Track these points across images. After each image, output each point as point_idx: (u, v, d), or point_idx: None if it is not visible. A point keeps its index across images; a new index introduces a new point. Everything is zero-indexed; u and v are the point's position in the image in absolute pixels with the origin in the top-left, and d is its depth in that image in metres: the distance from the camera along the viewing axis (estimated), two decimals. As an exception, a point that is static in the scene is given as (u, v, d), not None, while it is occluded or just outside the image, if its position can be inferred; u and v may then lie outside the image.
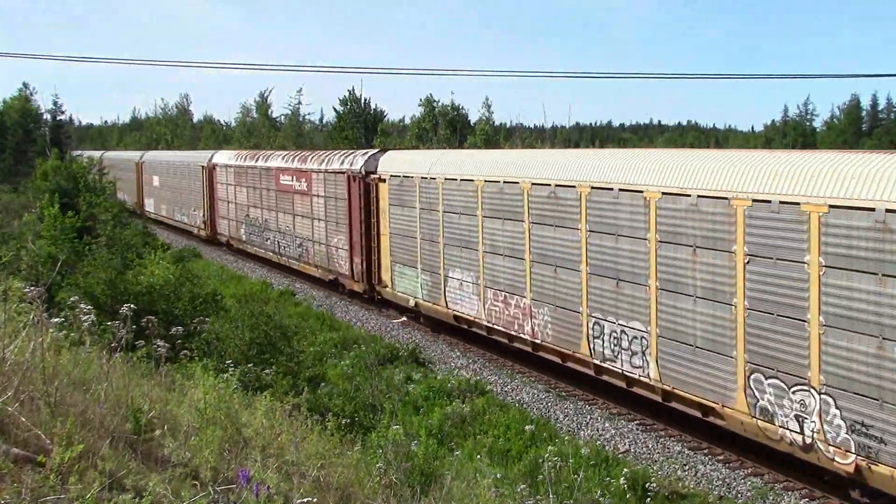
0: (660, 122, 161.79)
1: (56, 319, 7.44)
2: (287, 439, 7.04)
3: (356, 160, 25.52)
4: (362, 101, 61.38)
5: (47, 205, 25.99)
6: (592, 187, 15.41)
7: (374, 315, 24.94)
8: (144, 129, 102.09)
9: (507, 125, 73.16)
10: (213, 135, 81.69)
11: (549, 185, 16.59)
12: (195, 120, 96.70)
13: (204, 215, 41.12)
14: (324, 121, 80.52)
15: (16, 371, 5.46)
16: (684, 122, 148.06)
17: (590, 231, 15.55)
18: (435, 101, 58.28)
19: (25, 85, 62.50)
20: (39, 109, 60.88)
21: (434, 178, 20.89)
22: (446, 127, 56.48)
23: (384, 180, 23.62)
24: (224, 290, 22.46)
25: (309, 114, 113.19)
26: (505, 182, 18.07)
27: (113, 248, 23.29)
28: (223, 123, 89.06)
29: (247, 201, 35.50)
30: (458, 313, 20.40)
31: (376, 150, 26.09)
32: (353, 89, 61.79)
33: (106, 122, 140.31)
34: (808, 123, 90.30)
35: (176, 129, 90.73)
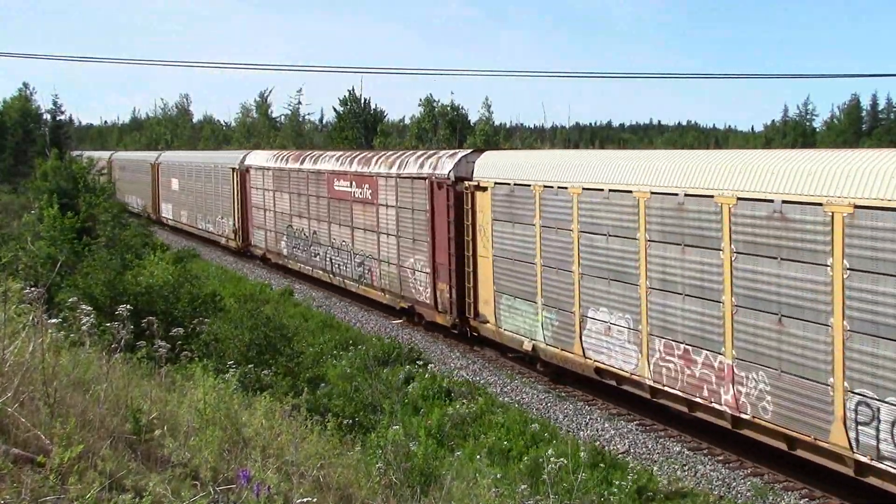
0: (660, 122, 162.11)
1: (55, 320, 7.45)
2: (287, 439, 7.06)
3: (442, 163, 20.98)
4: (362, 101, 61.57)
5: (47, 205, 26.00)
6: (856, 206, 10.81)
7: (375, 315, 24.92)
8: (144, 129, 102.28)
9: (507, 125, 73.47)
10: (212, 135, 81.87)
11: (772, 200, 12.09)
12: (195, 120, 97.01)
13: (234, 224, 36.67)
14: (324, 121, 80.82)
15: (16, 371, 5.47)
16: (684, 122, 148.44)
17: (850, 269, 11.01)
18: (435, 101, 58.49)
19: (25, 85, 62.84)
20: (39, 109, 61.08)
21: (564, 188, 16.35)
22: (446, 127, 56.57)
23: (484, 188, 19.12)
24: (223, 291, 22.48)
25: (309, 114, 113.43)
26: (687, 195, 13.55)
27: (112, 248, 23.30)
28: (223, 123, 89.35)
29: (289, 209, 30.65)
30: (601, 366, 15.82)
31: (469, 151, 21.32)
32: (353, 89, 62.07)
33: (106, 122, 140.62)
34: (808, 123, 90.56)
35: (176, 129, 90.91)
